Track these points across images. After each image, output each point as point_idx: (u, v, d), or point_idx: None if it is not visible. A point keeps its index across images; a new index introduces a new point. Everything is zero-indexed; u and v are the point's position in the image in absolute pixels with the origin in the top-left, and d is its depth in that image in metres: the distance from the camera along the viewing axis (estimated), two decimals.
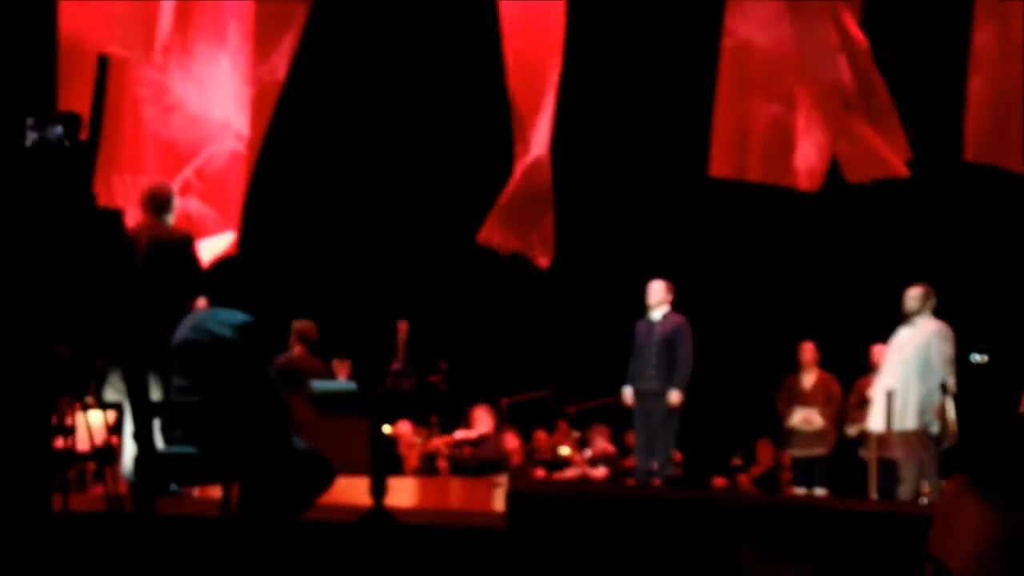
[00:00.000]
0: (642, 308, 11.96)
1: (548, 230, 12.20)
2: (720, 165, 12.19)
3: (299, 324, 11.74)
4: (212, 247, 8.95)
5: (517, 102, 12.19)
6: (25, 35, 4.87)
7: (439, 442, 13.49)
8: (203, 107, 10.41)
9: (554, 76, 11.99)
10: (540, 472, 14.23)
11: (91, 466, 8.19)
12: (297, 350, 11.64)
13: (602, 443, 13.94)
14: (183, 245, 8.40)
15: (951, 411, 10.80)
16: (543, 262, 12.29)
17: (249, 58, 10.65)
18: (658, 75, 14.92)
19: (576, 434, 14.28)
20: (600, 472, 13.66)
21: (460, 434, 13.36)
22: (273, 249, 13.36)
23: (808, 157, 12.04)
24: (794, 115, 12.09)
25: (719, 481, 14.99)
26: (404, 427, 13.74)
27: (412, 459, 13.74)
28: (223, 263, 8.26)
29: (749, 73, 12.22)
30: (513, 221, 12.07)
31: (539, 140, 11.96)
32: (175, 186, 9.86)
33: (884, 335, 11.85)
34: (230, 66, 10.54)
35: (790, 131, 12.08)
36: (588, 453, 13.85)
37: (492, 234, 12.00)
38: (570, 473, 13.81)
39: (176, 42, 10.31)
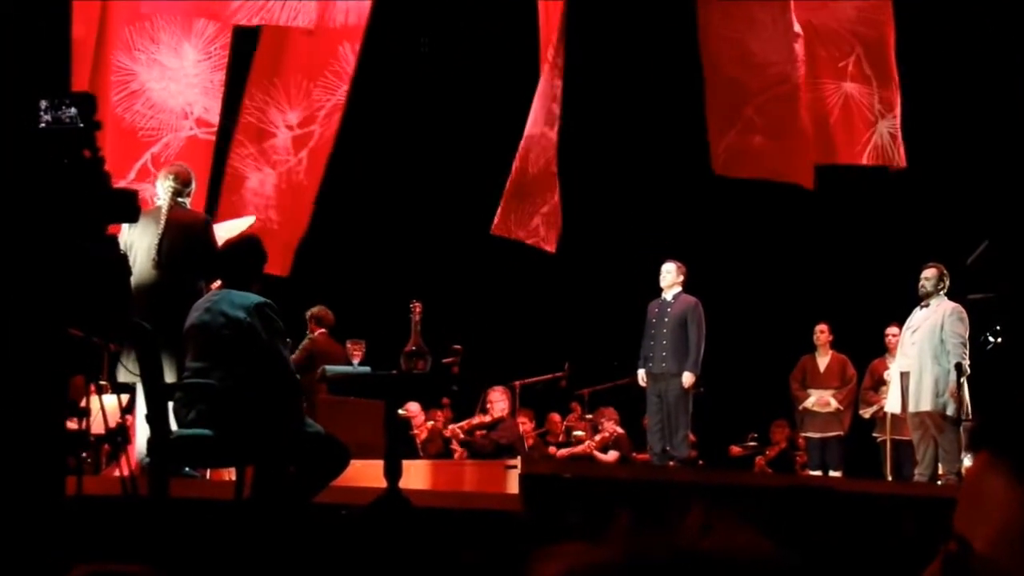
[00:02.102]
0: (655, 289, 11.92)
1: (554, 214, 12.20)
2: (841, 153, 12.44)
3: (317, 310, 11.76)
4: (231, 229, 8.95)
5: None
6: (38, 16, 4.85)
7: (454, 427, 13.48)
8: (164, 95, 10.48)
9: (549, 51, 12.00)
10: (551, 452, 14.25)
11: (106, 448, 8.19)
12: (320, 333, 11.66)
13: (611, 426, 13.92)
14: (200, 226, 8.38)
15: (966, 392, 10.78)
16: (549, 248, 12.29)
17: (225, 47, 10.69)
18: (674, 53, 14.88)
19: (589, 416, 14.28)
20: (610, 457, 13.65)
21: (476, 419, 13.34)
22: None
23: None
24: (872, 91, 12.33)
25: (735, 450, 14.96)
26: (414, 407, 13.73)
27: (422, 439, 13.74)
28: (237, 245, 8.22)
29: (819, 57, 12.41)
30: (520, 208, 12.11)
31: (533, 117, 11.94)
32: (133, 172, 9.95)
33: (898, 316, 11.82)
34: (198, 55, 10.60)
35: (868, 109, 12.33)
36: (598, 437, 13.84)
37: (506, 225, 12.04)
38: (577, 450, 13.81)
39: (145, 30, 10.38)
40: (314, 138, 11.34)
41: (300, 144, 11.32)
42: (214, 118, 10.64)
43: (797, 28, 12.18)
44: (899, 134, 12.44)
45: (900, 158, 12.48)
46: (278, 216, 11.32)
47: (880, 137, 12.44)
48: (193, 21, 10.70)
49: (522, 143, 11.86)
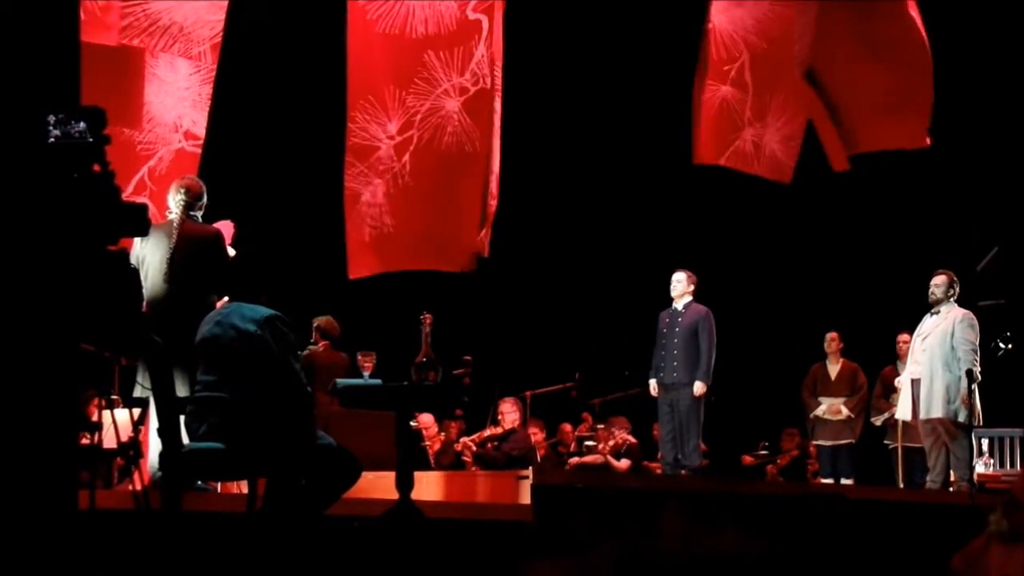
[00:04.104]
0: (666, 299, 11.92)
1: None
2: (702, 152, 12.58)
3: (320, 320, 11.74)
4: None
5: None
6: (47, 30, 4.86)
7: (466, 440, 13.48)
8: (160, 109, 10.55)
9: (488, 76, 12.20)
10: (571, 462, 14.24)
11: (118, 462, 8.20)
12: (321, 346, 11.64)
13: (622, 434, 13.92)
14: (212, 240, 8.38)
15: (977, 398, 10.77)
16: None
17: (215, 61, 10.74)
18: (661, 58, 14.92)
19: (600, 426, 14.27)
20: (623, 464, 13.64)
21: (487, 431, 13.34)
22: (297, 242, 13.37)
23: (774, 148, 12.52)
24: (745, 99, 12.50)
25: (747, 459, 14.95)
26: (426, 418, 13.73)
27: (435, 450, 13.74)
28: (245, 257, 8.22)
29: (711, 57, 12.61)
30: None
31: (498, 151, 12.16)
32: (131, 186, 9.99)
33: (909, 324, 11.81)
34: (189, 67, 10.65)
35: (738, 115, 12.52)
36: (611, 442, 13.83)
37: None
38: (590, 459, 13.80)
39: (145, 44, 10.43)
40: (414, 142, 11.67)
41: (402, 149, 11.68)
42: (200, 131, 10.70)
43: None
44: (780, 147, 12.59)
45: (784, 172, 12.62)
46: (393, 220, 11.68)
47: (744, 143, 12.58)
48: (186, 33, 10.77)
49: (493, 172, 12.05)
